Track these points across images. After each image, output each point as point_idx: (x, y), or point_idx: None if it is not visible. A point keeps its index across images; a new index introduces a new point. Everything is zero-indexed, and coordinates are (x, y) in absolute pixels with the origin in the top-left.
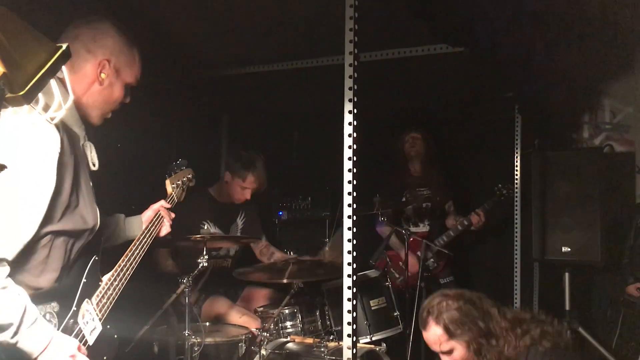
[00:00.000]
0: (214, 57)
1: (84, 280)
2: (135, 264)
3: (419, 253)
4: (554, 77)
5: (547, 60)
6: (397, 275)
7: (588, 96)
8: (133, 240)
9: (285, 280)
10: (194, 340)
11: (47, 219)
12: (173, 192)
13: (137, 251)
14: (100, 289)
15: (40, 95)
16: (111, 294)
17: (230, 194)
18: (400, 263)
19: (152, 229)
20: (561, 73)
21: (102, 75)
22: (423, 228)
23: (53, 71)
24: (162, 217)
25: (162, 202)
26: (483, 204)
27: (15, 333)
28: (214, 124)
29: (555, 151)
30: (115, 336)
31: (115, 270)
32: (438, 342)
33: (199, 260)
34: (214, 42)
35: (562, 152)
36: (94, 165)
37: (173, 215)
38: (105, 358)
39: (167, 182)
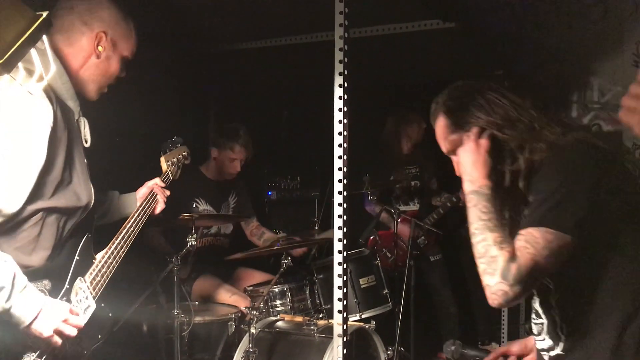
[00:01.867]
0: (204, 34)
1: (76, 257)
2: (129, 241)
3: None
4: (544, 55)
5: (537, 38)
6: (389, 255)
7: (577, 75)
8: (125, 217)
9: (276, 247)
10: (183, 319)
11: (38, 195)
12: (168, 170)
13: (132, 229)
14: (93, 266)
15: (20, 66)
16: (105, 272)
17: (221, 169)
18: (393, 243)
19: (146, 207)
20: (550, 52)
21: (100, 48)
22: (413, 207)
23: (33, 40)
24: (156, 194)
25: (157, 180)
26: None
27: (9, 297)
28: (203, 102)
29: None
30: (110, 314)
31: (109, 248)
32: (443, 136)
33: (187, 239)
34: (204, 18)
35: None
36: (86, 142)
37: (168, 192)
38: (99, 336)
39: (162, 159)
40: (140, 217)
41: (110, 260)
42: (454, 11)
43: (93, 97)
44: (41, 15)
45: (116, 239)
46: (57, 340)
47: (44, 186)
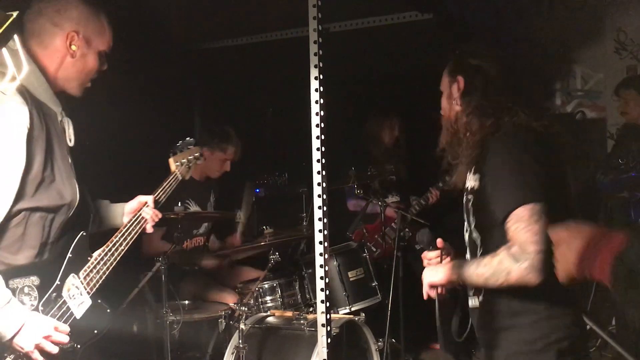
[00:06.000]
0: (187, 32)
1: (69, 255)
2: (128, 242)
3: (393, 225)
4: (525, 44)
5: (518, 27)
6: (374, 249)
7: (559, 64)
8: (115, 228)
9: (262, 243)
10: (173, 318)
11: (19, 195)
12: (176, 170)
13: (128, 233)
14: (89, 263)
15: None
16: (101, 269)
17: (208, 169)
18: (377, 236)
19: (134, 223)
20: (532, 41)
21: (73, 47)
22: (392, 199)
23: (4, 40)
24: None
25: (149, 198)
26: (437, 185)
27: None
28: (187, 102)
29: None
30: (109, 310)
31: (107, 246)
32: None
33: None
34: (187, 15)
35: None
36: (70, 140)
37: (159, 216)
38: (95, 332)
39: (171, 160)
40: (129, 233)
41: (107, 257)
42: (431, 3)
43: (77, 93)
44: (11, 15)
45: (115, 237)
46: (37, 356)
47: (25, 186)
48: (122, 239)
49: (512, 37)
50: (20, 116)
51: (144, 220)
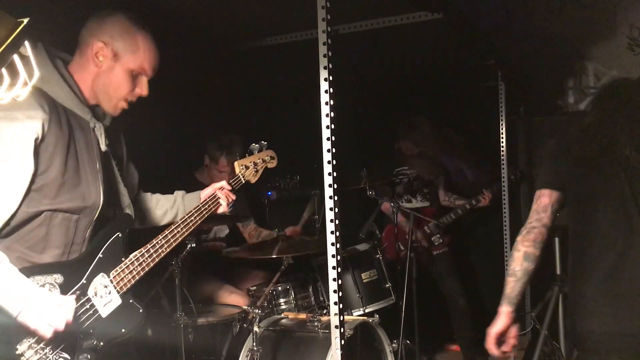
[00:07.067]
0: (193, 37)
1: (100, 255)
2: (174, 241)
3: (426, 228)
4: (536, 42)
5: (529, 25)
6: (402, 248)
7: (571, 61)
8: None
9: (274, 255)
10: (187, 321)
11: (38, 198)
12: (239, 173)
13: (179, 229)
14: (122, 264)
15: (5, 73)
16: (135, 269)
17: (211, 177)
18: (407, 236)
19: (202, 209)
20: (543, 38)
21: (100, 57)
22: (417, 204)
23: (15, 47)
24: (217, 197)
25: (223, 183)
26: (491, 187)
27: None
28: (198, 105)
29: (540, 117)
30: (141, 310)
31: (145, 247)
32: None
33: (186, 242)
34: (192, 20)
35: (548, 117)
36: (103, 146)
37: (233, 196)
38: (123, 330)
39: (236, 163)
40: (193, 218)
41: (144, 259)
42: (440, 2)
43: (111, 112)
44: (22, 22)
45: (156, 239)
46: (45, 332)
47: (43, 190)
48: (164, 241)
49: (523, 35)
50: (30, 123)
51: (216, 204)
